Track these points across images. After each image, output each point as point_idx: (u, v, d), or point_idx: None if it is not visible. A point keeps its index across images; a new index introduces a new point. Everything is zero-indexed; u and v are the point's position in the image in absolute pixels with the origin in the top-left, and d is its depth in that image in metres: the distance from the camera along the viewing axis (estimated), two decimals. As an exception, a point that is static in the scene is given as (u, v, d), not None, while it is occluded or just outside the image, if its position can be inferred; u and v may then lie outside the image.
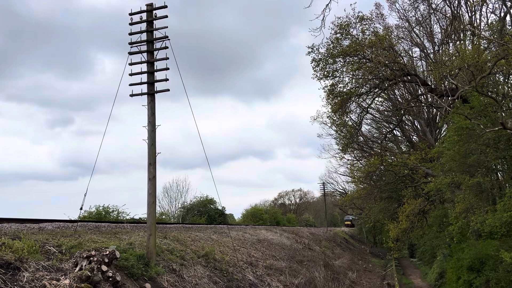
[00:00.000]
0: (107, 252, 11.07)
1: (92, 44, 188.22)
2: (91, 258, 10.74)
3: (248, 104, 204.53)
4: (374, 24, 26.99)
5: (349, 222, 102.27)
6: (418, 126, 42.63)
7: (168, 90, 15.23)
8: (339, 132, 42.40)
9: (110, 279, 10.69)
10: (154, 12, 15.44)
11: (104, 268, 10.67)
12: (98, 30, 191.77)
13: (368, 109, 33.38)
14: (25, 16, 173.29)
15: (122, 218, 24.49)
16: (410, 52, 36.17)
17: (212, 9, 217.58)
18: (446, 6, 30.09)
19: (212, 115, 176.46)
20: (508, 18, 21.27)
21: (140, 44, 15.45)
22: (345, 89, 26.81)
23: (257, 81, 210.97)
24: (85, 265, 10.53)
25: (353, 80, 26.77)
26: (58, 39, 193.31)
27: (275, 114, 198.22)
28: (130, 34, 15.47)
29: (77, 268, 10.49)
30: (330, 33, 25.92)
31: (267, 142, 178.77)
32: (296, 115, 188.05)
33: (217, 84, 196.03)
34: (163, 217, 38.90)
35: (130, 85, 15.41)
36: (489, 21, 26.42)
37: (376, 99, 34.51)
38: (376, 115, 45.30)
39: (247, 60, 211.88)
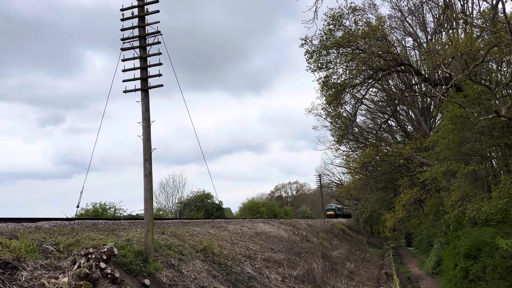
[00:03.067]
0: (105, 249, 11.06)
1: (80, 42, 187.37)
2: (89, 256, 10.73)
3: (239, 98, 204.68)
4: (367, 14, 27.01)
5: (332, 212, 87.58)
6: (413, 116, 42.76)
7: (161, 85, 15.17)
8: (334, 123, 42.51)
9: (109, 276, 10.69)
10: (145, 7, 15.33)
11: (102, 265, 10.67)
12: (85, 28, 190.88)
13: (363, 100, 33.45)
14: (11, 15, 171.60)
15: (119, 214, 24.43)
16: (403, 42, 36.26)
17: (200, 3, 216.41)
18: (438, -6, 30.11)
19: (204, 109, 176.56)
20: (500, 5, 21.28)
21: (132, 39, 15.35)
22: (339, 81, 26.84)
23: (248, 75, 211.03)
24: (84, 263, 10.52)
25: (347, 71, 26.80)
26: (46, 38, 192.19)
27: (267, 108, 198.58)
28: (122, 30, 15.36)
29: (76, 266, 10.48)
30: (323, 24, 25.92)
31: (261, 135, 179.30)
32: (288, 108, 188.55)
33: (208, 78, 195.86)
34: (160, 212, 38.89)
35: (124, 81, 15.33)
36: (481, 9, 26.49)
37: (370, 89, 34.61)
38: (371, 106, 45.44)
39: (237, 54, 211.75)
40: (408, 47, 36.22)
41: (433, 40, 31.91)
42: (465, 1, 28.29)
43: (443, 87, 22.45)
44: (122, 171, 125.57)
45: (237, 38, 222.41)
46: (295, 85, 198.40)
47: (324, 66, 26.24)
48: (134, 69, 15.28)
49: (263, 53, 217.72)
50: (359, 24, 25.54)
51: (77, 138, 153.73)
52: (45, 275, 9.42)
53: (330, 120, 43.23)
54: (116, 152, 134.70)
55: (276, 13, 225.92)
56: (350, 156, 49.42)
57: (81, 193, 14.27)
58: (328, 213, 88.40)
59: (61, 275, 9.65)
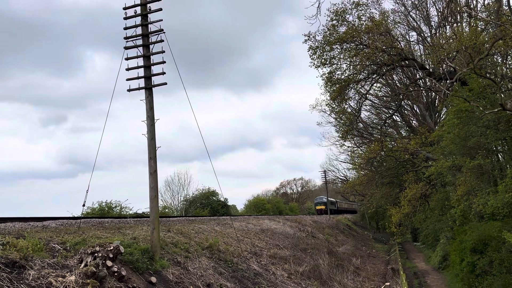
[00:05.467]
0: (111, 248, 11.11)
1: (80, 42, 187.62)
2: (96, 254, 10.79)
3: (240, 96, 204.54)
4: (370, 9, 26.85)
5: (322, 207, 71.62)
6: (418, 111, 42.55)
7: (165, 83, 15.19)
8: (338, 119, 42.36)
9: (116, 274, 10.75)
10: (148, 5, 15.34)
11: (109, 263, 10.72)
12: (85, 28, 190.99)
13: (367, 95, 33.30)
14: (10, 16, 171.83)
15: (125, 213, 24.59)
16: (407, 37, 36.00)
17: (199, 1, 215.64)
18: (442, -12, 29.90)
19: (205, 107, 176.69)
20: (504, -2, 21.11)
21: (135, 38, 15.37)
22: (343, 76, 26.73)
23: (248, 72, 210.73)
24: (90, 261, 10.58)
25: (351, 66, 26.68)
26: (46, 38, 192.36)
27: (268, 105, 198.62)
28: (125, 28, 15.38)
29: (82, 265, 10.54)
30: (326, 20, 25.83)
31: (263, 132, 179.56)
32: (289, 105, 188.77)
33: (208, 76, 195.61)
34: (166, 210, 39.05)
35: (128, 79, 15.37)
36: (486, 2, 26.22)
37: (375, 85, 34.41)
38: (375, 101, 45.23)
39: (237, 51, 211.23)
40: (412, 41, 36.01)
41: (437, 34, 31.68)
42: (469, -6, 28.05)
43: (447, 81, 22.31)
44: (125, 170, 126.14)
45: (237, 35, 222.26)
46: (296, 81, 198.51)
47: (327, 62, 26.14)
48: (138, 67, 15.31)
49: (263, 50, 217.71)
50: (363, 19, 25.43)
51: (80, 137, 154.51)
52: (52, 274, 9.48)
53: (334, 116, 43.10)
54: (118, 151, 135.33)
55: (275, 10, 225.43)
56: (355, 151, 49.33)
57: (87, 192, 14.35)
58: (317, 207, 73.83)
59: (68, 273, 9.71)
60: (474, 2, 27.65)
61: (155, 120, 15.06)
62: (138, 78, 15.27)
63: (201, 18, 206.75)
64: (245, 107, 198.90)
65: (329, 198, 76.19)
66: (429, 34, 34.22)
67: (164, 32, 15.03)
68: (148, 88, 15.19)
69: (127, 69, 15.40)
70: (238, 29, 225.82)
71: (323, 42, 25.65)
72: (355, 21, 25.31)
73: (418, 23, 35.06)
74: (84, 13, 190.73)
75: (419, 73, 31.74)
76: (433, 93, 36.87)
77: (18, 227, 12.73)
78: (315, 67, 26.28)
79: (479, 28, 21.74)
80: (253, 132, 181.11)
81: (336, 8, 25.17)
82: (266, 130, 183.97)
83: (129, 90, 15.35)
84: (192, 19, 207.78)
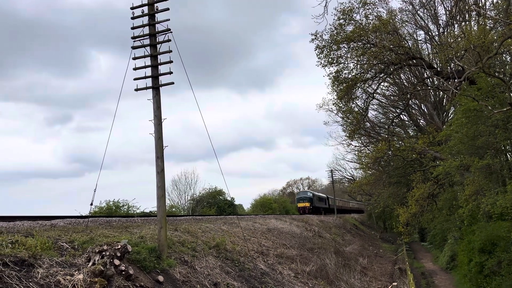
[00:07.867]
0: (119, 246, 11.16)
1: (84, 42, 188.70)
2: (104, 253, 10.84)
3: (244, 95, 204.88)
4: (377, 8, 26.69)
5: (306, 204, 57.25)
6: (425, 110, 42.35)
7: (172, 83, 15.23)
8: (345, 118, 42.29)
9: (123, 272, 10.79)
10: (155, 5, 15.39)
11: (116, 262, 10.77)
12: (88, 27, 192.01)
13: (374, 94, 33.23)
14: (12, 16, 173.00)
15: (132, 212, 24.68)
16: (414, 36, 35.84)
17: (201, 1, 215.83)
18: (450, -14, 29.70)
19: (208, 107, 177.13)
20: (513, -4, 20.91)
21: (143, 38, 15.42)
22: (350, 75, 26.66)
23: (251, 72, 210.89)
24: (98, 260, 10.64)
25: (358, 65, 26.60)
26: (49, 38, 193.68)
27: (272, 104, 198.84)
28: (133, 28, 15.44)
29: (90, 263, 10.60)
30: (333, 19, 25.75)
31: (268, 132, 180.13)
32: (293, 104, 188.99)
33: (211, 76, 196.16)
34: (173, 209, 39.16)
35: (135, 79, 15.43)
36: (495, 0, 26.03)
37: (382, 84, 34.36)
38: (382, 100, 45.10)
39: (240, 51, 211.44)
40: (420, 40, 35.83)
41: (445, 33, 31.48)
42: (478, -7, 27.84)
43: (455, 80, 22.17)
44: (130, 169, 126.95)
45: (240, 35, 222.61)
46: (299, 81, 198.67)
47: (334, 61, 26.07)
48: (145, 67, 15.36)
49: (266, 49, 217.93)
50: (370, 18, 25.33)
51: (85, 137, 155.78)
52: (61, 272, 9.55)
53: (341, 115, 43.05)
54: (124, 150, 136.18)
55: (278, 9, 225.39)
56: (362, 151, 49.17)
57: (94, 191, 14.43)
58: (299, 205, 58.74)
59: (76, 272, 9.77)
60: (483, 0, 27.47)
61: (162, 120, 15.10)
62: (145, 77, 15.33)
63: (204, 18, 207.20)
64: (249, 107, 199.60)
65: (316, 193, 64.32)
66: (437, 33, 34.04)
67: (171, 32, 15.07)
68: (156, 88, 15.24)
69: (134, 69, 15.46)
70: (241, 29, 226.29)
71: (330, 41, 25.60)
72: (363, 20, 25.24)
73: (426, 22, 34.89)
74: (88, 13, 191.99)
75: (426, 72, 31.58)
76: (441, 92, 36.67)
77: (26, 226, 12.82)
78: (322, 66, 26.24)
79: (487, 27, 21.58)
80: (257, 132, 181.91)
81: (343, 7, 25.11)
82: (271, 130, 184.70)
83: (136, 90, 15.41)
84: (195, 19, 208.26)
